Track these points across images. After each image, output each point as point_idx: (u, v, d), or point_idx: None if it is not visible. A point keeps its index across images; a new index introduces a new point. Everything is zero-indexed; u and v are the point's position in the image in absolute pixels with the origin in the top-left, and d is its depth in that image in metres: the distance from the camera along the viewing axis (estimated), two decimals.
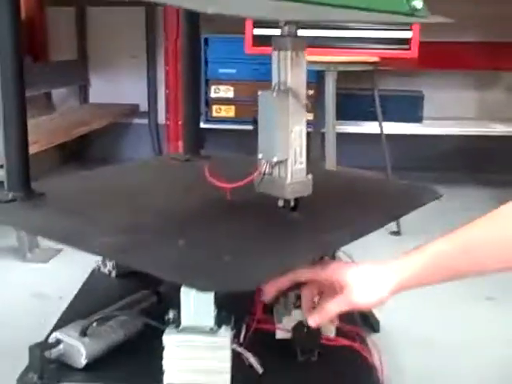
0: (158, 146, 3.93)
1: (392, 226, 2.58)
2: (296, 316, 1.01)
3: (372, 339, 1.08)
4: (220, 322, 0.92)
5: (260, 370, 0.94)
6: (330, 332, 1.03)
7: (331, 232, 0.99)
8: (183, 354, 0.91)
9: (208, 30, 3.14)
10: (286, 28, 1.00)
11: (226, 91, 3.35)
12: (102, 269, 1.36)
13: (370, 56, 2.58)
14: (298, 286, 0.99)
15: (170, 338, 0.90)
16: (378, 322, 1.72)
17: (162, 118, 3.88)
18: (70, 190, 1.24)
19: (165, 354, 0.91)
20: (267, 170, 1.03)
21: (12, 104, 1.11)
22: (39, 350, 0.93)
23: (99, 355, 0.96)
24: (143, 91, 3.95)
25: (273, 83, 1.03)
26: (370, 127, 3.18)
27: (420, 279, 0.90)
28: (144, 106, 3.99)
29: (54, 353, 0.94)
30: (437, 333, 1.77)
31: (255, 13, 0.85)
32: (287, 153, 1.02)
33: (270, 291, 0.96)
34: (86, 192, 1.23)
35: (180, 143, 1.94)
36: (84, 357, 0.94)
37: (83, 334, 0.96)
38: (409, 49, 2.50)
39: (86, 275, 1.36)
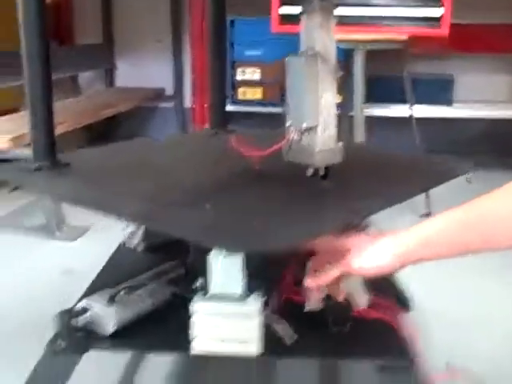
0: (184, 129, 3.93)
1: (423, 208, 2.55)
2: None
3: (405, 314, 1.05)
4: (250, 289, 0.91)
5: (293, 337, 0.92)
6: (363, 305, 1.01)
7: (360, 200, 0.97)
8: (211, 321, 0.89)
9: (234, 12, 3.11)
10: None
11: (252, 73, 3.33)
12: (128, 244, 1.35)
13: (399, 34, 2.53)
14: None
15: (197, 306, 0.89)
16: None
17: (187, 101, 3.88)
18: (96, 161, 1.24)
19: (192, 321, 0.89)
20: (296, 137, 1.01)
21: (37, 81, 1.11)
22: (67, 316, 0.92)
23: (127, 323, 0.95)
24: (169, 75, 3.95)
25: (301, 49, 1.01)
26: (398, 110, 3.14)
27: (425, 251, 0.84)
28: (169, 90, 3.99)
29: (81, 320, 0.94)
30: (450, 306, 1.76)
31: None
32: (317, 119, 0.99)
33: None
34: (112, 163, 1.22)
35: (206, 126, 1.93)
36: (112, 324, 0.93)
37: (111, 301, 0.95)
38: (439, 27, 2.45)
39: None
